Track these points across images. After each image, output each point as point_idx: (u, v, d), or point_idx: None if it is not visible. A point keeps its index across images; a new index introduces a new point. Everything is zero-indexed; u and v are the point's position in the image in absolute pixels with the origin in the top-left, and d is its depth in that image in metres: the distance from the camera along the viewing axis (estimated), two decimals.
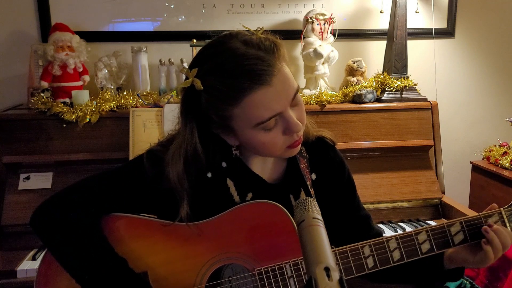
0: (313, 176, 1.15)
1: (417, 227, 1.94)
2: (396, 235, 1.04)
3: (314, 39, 2.24)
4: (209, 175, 1.08)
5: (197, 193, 1.06)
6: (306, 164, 1.14)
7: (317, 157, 1.16)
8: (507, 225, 1.05)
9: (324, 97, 2.15)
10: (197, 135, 1.01)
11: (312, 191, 1.13)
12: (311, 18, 2.23)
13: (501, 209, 1.07)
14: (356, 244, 1.02)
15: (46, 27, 2.23)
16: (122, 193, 1.05)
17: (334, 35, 2.29)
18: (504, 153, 2.25)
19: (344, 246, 1.01)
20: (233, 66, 0.93)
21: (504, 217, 1.06)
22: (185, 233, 1.03)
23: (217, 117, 0.98)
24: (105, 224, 1.04)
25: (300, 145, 1.04)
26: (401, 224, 2.03)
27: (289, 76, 0.97)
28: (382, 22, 2.48)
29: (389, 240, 1.03)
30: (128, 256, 1.02)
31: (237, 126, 0.98)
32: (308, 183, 1.13)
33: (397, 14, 2.24)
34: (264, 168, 1.12)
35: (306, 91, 2.26)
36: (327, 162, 1.17)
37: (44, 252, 1.07)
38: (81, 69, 2.10)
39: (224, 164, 1.09)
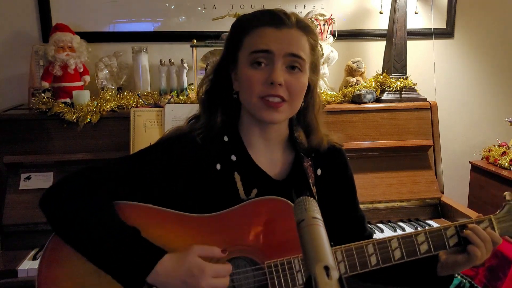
0: (319, 172, 1.18)
1: (416, 227, 1.97)
2: (397, 236, 1.08)
3: None
4: (218, 167, 1.11)
5: (205, 184, 1.09)
6: (310, 162, 1.17)
7: (323, 155, 1.19)
8: (496, 231, 1.12)
9: (324, 97, 2.16)
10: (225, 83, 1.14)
11: (314, 189, 1.15)
12: (310, 18, 2.24)
13: (491, 215, 1.13)
14: (361, 242, 1.06)
15: (46, 28, 2.23)
16: (134, 175, 1.07)
17: (333, 35, 2.30)
18: (503, 153, 2.26)
19: (350, 244, 1.05)
20: (265, 9, 1.12)
21: (494, 223, 1.12)
22: (196, 224, 1.05)
23: (233, 48, 1.10)
24: (118, 212, 1.04)
25: (278, 113, 1.06)
26: (401, 223, 2.03)
27: (300, 44, 1.07)
28: (381, 23, 2.48)
29: (391, 240, 1.07)
30: None
31: (241, 58, 1.09)
32: (310, 181, 1.15)
33: (396, 15, 2.25)
34: (270, 163, 1.15)
35: None
36: (332, 161, 1.21)
37: (43, 251, 1.06)
38: (81, 70, 2.11)
39: (233, 158, 1.13)
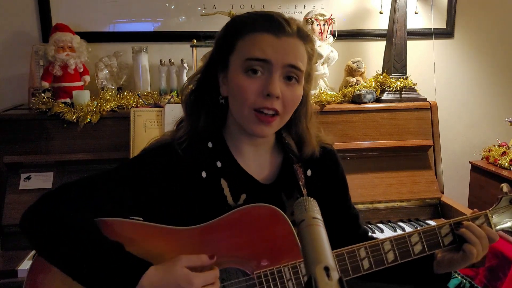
0: (309, 173, 1.15)
1: (416, 227, 1.96)
2: (390, 237, 1.06)
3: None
4: (204, 174, 1.08)
5: (191, 193, 1.07)
6: (300, 163, 1.15)
7: (313, 155, 1.16)
8: (492, 226, 1.10)
9: (324, 97, 2.15)
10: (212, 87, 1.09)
11: (304, 191, 1.13)
12: (310, 18, 2.24)
13: (487, 211, 1.11)
14: (352, 246, 1.04)
15: (47, 28, 2.23)
16: (117, 188, 1.04)
17: (333, 35, 2.30)
18: (503, 153, 2.26)
19: (341, 249, 1.03)
20: (264, 11, 1.05)
21: (490, 218, 1.10)
22: (184, 236, 1.03)
23: (224, 50, 1.05)
24: (103, 229, 1.02)
25: (269, 128, 1.03)
26: (401, 223, 2.03)
27: (299, 54, 1.02)
28: (381, 23, 2.48)
29: (384, 242, 1.05)
30: None
31: (232, 62, 1.03)
32: (300, 183, 1.13)
33: (396, 15, 2.25)
34: (258, 167, 1.13)
35: None
36: (323, 161, 1.18)
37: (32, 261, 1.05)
38: (81, 70, 2.11)
39: (219, 164, 1.09)
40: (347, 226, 1.21)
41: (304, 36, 1.04)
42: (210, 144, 1.10)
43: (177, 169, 1.07)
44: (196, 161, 1.08)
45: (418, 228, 1.95)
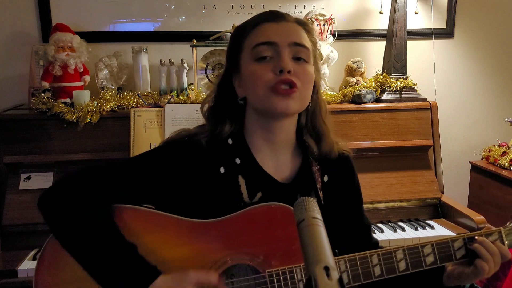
0: (325, 178, 1.16)
1: (416, 227, 1.97)
2: (403, 246, 1.06)
3: None
4: (222, 170, 1.09)
5: (208, 187, 1.07)
6: (318, 167, 1.15)
7: (331, 161, 1.16)
8: (505, 243, 1.09)
9: (324, 97, 2.15)
10: (228, 96, 1.13)
11: (321, 194, 1.13)
12: (310, 18, 2.24)
13: (501, 228, 1.10)
14: (365, 252, 1.04)
15: (47, 28, 2.24)
16: (137, 176, 1.05)
17: (333, 35, 2.30)
18: (503, 153, 2.26)
19: (354, 254, 1.03)
20: (263, 12, 1.13)
21: (503, 235, 1.09)
22: (197, 230, 1.03)
23: (234, 54, 1.10)
24: (115, 216, 1.02)
25: (291, 100, 1.03)
26: (400, 223, 2.03)
27: (302, 34, 1.07)
28: (381, 23, 2.48)
29: (397, 251, 1.05)
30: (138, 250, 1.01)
31: (243, 59, 1.08)
32: (318, 185, 1.13)
33: (396, 15, 2.25)
34: (276, 167, 1.13)
35: None
36: (340, 167, 1.18)
37: (41, 250, 1.05)
38: (81, 70, 2.11)
39: (237, 161, 1.10)
40: (358, 236, 1.20)
41: (303, 23, 1.10)
42: (230, 141, 1.12)
43: (197, 162, 1.08)
44: (216, 157, 1.09)
45: (418, 227, 1.95)
